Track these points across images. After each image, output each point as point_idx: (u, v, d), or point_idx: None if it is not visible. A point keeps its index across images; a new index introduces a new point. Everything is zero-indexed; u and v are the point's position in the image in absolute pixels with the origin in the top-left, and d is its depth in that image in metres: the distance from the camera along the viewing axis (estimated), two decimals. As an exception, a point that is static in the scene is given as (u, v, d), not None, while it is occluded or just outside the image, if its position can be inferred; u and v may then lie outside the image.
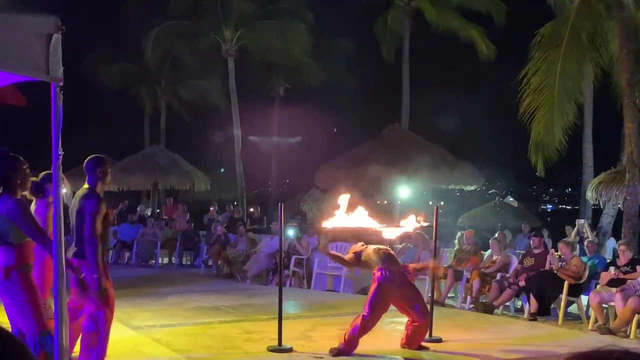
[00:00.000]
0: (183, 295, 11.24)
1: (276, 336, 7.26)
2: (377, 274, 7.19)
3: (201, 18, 22.84)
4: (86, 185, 5.71)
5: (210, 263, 15.29)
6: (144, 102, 28.20)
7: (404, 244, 13.08)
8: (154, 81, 26.96)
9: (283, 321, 7.34)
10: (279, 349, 7.20)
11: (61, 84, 4.28)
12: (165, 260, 17.29)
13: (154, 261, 16.49)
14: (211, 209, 19.91)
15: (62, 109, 4.30)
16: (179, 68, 26.07)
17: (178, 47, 24.03)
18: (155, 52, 23.10)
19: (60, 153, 4.36)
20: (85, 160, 5.72)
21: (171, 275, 14.48)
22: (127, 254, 16.82)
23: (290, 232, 13.82)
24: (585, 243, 11.54)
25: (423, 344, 7.63)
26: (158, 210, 22.06)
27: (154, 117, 28.49)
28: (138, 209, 19.37)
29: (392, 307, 7.56)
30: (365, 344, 7.30)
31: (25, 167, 5.13)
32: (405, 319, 7.60)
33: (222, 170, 23.15)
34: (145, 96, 27.84)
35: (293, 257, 13.42)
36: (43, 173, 6.37)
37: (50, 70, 4.21)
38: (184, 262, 17.01)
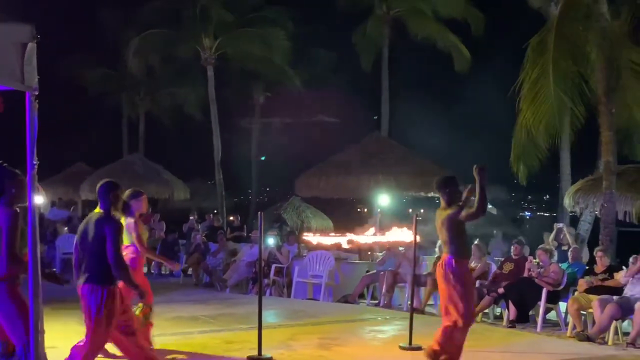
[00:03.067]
0: (161, 305, 11.09)
1: (256, 346, 7.23)
2: (463, 265, 6.55)
3: (180, 26, 22.79)
4: (98, 210, 5.58)
5: (189, 272, 15.19)
6: (122, 110, 28.07)
7: (384, 252, 13.13)
8: (132, 89, 26.84)
9: (263, 330, 7.31)
10: (259, 358, 7.16)
11: (36, 93, 4.24)
12: (144, 269, 17.10)
13: (132, 270, 16.32)
14: (191, 217, 19.81)
15: (37, 118, 4.26)
16: (158, 76, 25.96)
17: (157, 56, 23.94)
18: (134, 60, 22.97)
19: (35, 163, 4.32)
20: (98, 185, 5.65)
21: (150, 285, 14.34)
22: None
23: (271, 241, 13.79)
24: (570, 250, 11.61)
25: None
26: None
27: (133, 125, 28.34)
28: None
29: (372, 316, 7.54)
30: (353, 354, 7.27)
31: (21, 179, 5.06)
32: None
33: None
34: (124, 104, 27.73)
35: (273, 266, 13.41)
36: (128, 191, 6.86)
37: (25, 79, 4.17)
38: (162, 272, 16.88)
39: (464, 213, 6.43)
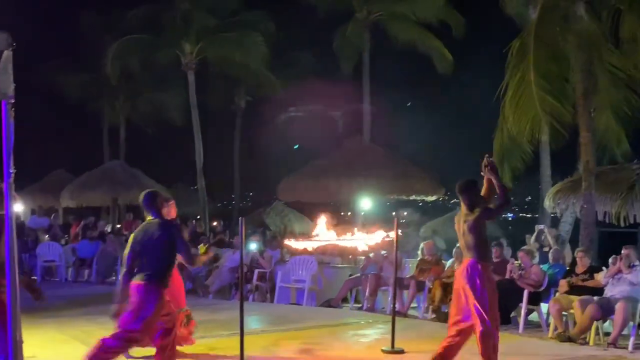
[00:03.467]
0: (144, 312, 11.07)
1: (238, 352, 7.20)
2: (488, 269, 6.53)
3: (161, 31, 22.71)
4: (150, 217, 6.19)
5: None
6: (102, 117, 27.92)
7: (365, 257, 13.15)
8: (112, 95, 26.70)
9: (246, 336, 7.27)
10: (242, 364, 7.13)
11: (12, 101, 4.21)
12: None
13: (114, 278, 16.25)
14: (173, 224, 19.71)
15: (13, 126, 4.23)
16: (139, 82, 25.85)
17: (137, 61, 23.83)
18: (113, 66, 22.85)
19: (12, 171, 4.29)
20: (141, 198, 6.26)
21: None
22: (86, 271, 16.58)
23: (253, 246, 13.77)
24: (551, 251, 11.67)
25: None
26: (119, 226, 21.78)
27: (113, 131, 28.20)
28: (98, 225, 19.11)
29: (355, 320, 7.51)
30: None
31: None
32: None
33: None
34: (105, 111, 27.58)
35: (256, 271, 13.38)
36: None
37: (1, 87, 4.14)
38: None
39: (492, 206, 6.54)
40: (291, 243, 7.69)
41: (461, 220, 6.59)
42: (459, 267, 6.73)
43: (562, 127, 12.37)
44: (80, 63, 25.91)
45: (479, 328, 6.39)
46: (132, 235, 6.32)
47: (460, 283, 6.53)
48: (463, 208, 6.61)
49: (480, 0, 21.87)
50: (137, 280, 5.89)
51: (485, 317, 6.35)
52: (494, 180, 6.52)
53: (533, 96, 12.15)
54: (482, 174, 6.62)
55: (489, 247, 6.74)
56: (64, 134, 29.21)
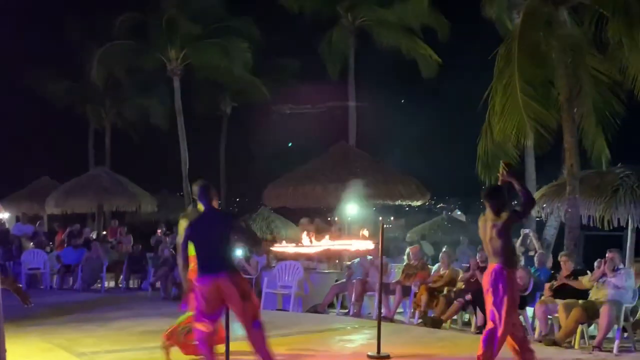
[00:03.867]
0: (130, 319, 11.04)
1: (224, 358, 7.17)
2: (513, 275, 6.60)
3: (146, 38, 22.66)
4: (200, 206, 6.60)
5: (157, 286, 15.05)
6: (88, 123, 27.80)
7: (349, 263, 13.16)
8: (97, 101, 26.58)
9: (231, 342, 7.25)
10: (228, 371, 7.10)
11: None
12: (112, 284, 16.95)
13: (99, 285, 16.17)
14: (158, 230, 19.65)
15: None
16: (124, 88, 25.76)
17: (122, 67, 23.77)
18: (98, 72, 22.78)
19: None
20: (197, 189, 6.60)
21: (117, 299, 14.20)
22: (71, 279, 16.47)
23: (239, 252, 13.70)
24: (537, 255, 11.72)
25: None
26: (104, 233, 21.70)
27: (99, 138, 28.08)
28: (83, 232, 19.03)
29: (341, 325, 7.51)
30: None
31: None
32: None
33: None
34: (90, 117, 27.47)
35: (242, 277, 13.32)
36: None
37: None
38: (130, 286, 16.72)
39: (520, 209, 6.66)
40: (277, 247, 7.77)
41: (488, 225, 6.64)
42: (485, 271, 6.79)
43: (546, 132, 12.41)
44: (65, 69, 25.80)
45: (486, 330, 6.54)
46: (184, 223, 6.64)
47: (484, 287, 6.65)
48: (489, 213, 6.66)
49: (465, 4, 21.94)
50: (218, 271, 6.26)
51: (497, 323, 6.47)
52: (515, 183, 6.61)
53: (518, 101, 12.19)
54: (500, 178, 6.72)
55: (514, 253, 6.80)
56: (49, 141, 29.05)
